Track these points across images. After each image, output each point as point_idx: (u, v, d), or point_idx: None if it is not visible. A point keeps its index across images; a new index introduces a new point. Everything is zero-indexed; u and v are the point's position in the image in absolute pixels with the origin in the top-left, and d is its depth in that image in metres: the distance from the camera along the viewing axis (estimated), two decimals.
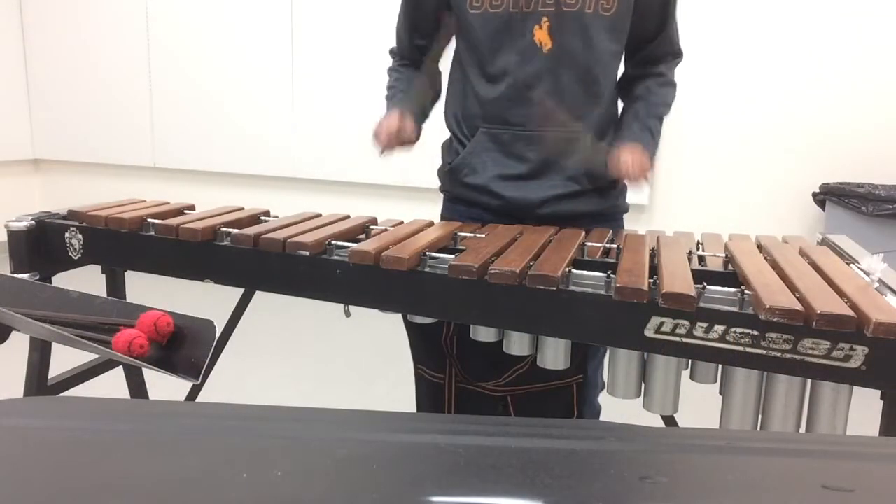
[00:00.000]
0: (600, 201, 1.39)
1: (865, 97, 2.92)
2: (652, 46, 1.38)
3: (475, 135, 1.37)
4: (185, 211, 1.43)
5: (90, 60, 4.26)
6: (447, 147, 1.47)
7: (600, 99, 1.35)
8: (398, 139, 1.31)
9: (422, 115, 1.44)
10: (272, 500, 0.40)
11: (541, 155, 1.33)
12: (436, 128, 1.49)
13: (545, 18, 1.26)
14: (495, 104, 1.33)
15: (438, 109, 1.50)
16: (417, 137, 1.38)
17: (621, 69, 1.42)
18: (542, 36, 1.27)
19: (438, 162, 1.49)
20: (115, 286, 1.59)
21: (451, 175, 1.42)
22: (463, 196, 1.42)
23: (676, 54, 1.42)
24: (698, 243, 1.29)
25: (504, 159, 1.35)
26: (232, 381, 2.64)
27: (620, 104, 1.45)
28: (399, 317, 1.28)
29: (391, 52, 1.53)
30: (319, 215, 1.40)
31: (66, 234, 1.34)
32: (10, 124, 4.41)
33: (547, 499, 0.40)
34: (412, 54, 1.48)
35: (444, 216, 1.49)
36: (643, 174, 1.26)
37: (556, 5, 1.26)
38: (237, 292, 1.47)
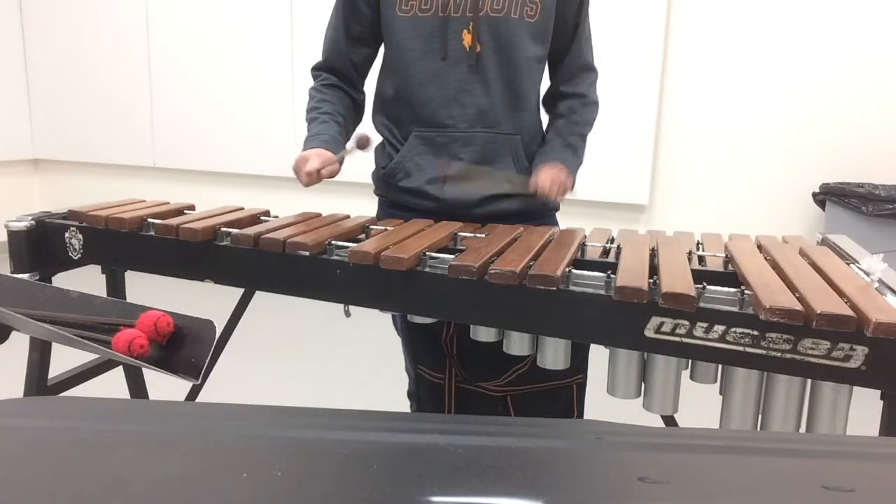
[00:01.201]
0: (531, 200, 1.41)
1: (865, 97, 2.92)
2: (567, 59, 1.44)
3: (408, 138, 1.37)
4: (185, 211, 1.43)
5: (90, 60, 4.26)
6: (380, 151, 1.46)
7: (527, 102, 1.40)
8: (319, 178, 1.30)
9: (345, 137, 1.42)
10: (272, 500, 0.40)
11: (474, 155, 1.36)
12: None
13: (473, 23, 1.30)
14: (427, 107, 1.34)
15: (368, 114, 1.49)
16: (340, 166, 1.36)
17: (545, 84, 1.48)
18: (469, 39, 1.31)
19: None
20: (115, 286, 1.59)
21: (386, 179, 1.42)
22: (399, 200, 1.43)
23: (591, 69, 1.48)
24: (698, 243, 1.29)
25: (436, 161, 1.36)
26: (232, 381, 2.64)
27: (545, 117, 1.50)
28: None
29: (315, 68, 1.47)
30: (319, 215, 1.40)
31: (66, 234, 1.34)
32: (10, 124, 4.41)
33: (547, 499, 0.40)
34: (345, 67, 1.43)
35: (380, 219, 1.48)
36: (562, 192, 1.36)
37: (484, 10, 1.30)
38: (237, 292, 1.47)
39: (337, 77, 1.44)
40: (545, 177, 1.33)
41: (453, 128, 1.35)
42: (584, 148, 1.46)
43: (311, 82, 1.47)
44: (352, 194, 3.81)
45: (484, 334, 1.10)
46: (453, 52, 1.32)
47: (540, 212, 1.45)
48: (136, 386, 1.74)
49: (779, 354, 0.87)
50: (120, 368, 1.64)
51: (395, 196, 1.43)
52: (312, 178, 1.29)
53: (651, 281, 0.96)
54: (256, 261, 1.19)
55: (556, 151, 1.40)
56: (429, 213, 1.38)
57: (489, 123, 1.35)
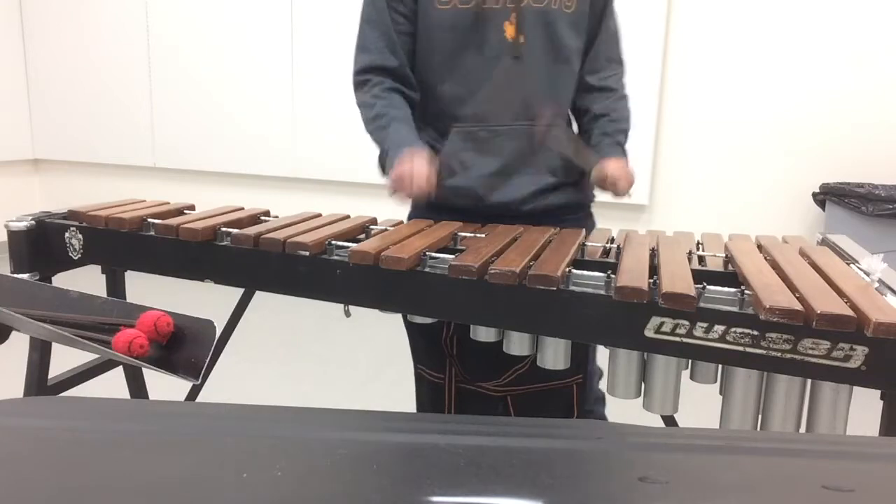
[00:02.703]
0: (575, 192, 1.40)
1: (865, 97, 2.92)
2: (594, 50, 1.41)
3: (446, 136, 1.34)
4: (185, 211, 1.43)
5: (90, 60, 4.26)
6: None
7: (566, 94, 1.39)
8: (428, 188, 1.20)
9: None
10: (272, 500, 0.40)
11: (518, 149, 1.34)
12: None
13: (514, 14, 1.29)
14: (468, 102, 1.32)
15: None
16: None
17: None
18: (511, 31, 1.29)
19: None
20: (115, 286, 1.59)
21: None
22: (438, 202, 1.34)
23: (618, 62, 1.45)
24: (698, 243, 1.29)
25: (480, 157, 1.34)
26: (232, 381, 2.64)
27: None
28: (399, 317, 1.28)
29: (362, 72, 1.36)
30: (319, 215, 1.40)
31: (66, 234, 1.34)
32: (10, 124, 4.41)
33: (547, 499, 0.40)
34: (400, 65, 1.34)
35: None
36: (630, 184, 1.31)
37: (525, 1, 1.28)
38: (237, 292, 1.47)
39: (392, 78, 1.34)
40: (616, 167, 1.28)
41: (496, 121, 1.33)
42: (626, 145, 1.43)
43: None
44: (352, 194, 3.81)
45: (484, 334, 1.10)
46: (496, 45, 1.29)
47: (580, 205, 1.44)
48: (136, 386, 1.74)
49: (779, 354, 0.87)
50: (120, 368, 1.64)
51: (437, 198, 1.29)
52: (422, 181, 1.19)
53: (651, 281, 0.96)
54: (256, 261, 1.19)
55: (611, 149, 1.36)
56: (473, 212, 1.34)
57: (531, 116, 1.33)
